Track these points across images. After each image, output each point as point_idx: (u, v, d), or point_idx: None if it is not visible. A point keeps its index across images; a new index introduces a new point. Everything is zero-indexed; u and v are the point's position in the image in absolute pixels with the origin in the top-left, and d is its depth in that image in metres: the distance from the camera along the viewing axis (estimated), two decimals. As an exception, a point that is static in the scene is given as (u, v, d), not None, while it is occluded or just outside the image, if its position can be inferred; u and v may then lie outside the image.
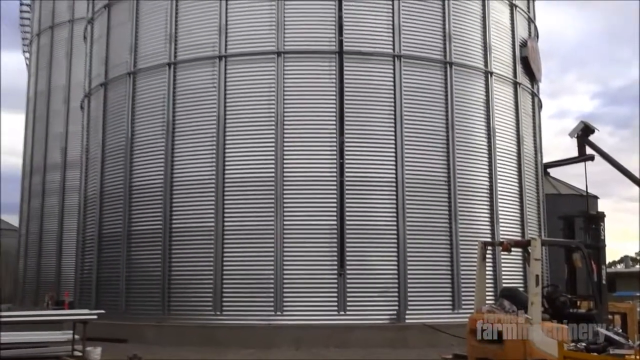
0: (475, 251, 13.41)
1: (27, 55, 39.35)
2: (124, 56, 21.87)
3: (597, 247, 12.73)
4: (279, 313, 17.94)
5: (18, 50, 42.25)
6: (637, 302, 19.60)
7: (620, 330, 12.26)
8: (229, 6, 19.94)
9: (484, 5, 21.63)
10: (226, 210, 18.87)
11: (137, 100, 21.19)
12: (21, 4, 40.13)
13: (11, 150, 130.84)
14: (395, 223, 18.70)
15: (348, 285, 18.10)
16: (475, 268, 13.14)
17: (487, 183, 20.53)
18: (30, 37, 38.80)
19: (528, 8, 24.54)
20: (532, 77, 23.86)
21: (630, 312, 13.68)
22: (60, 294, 29.78)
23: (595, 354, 10.00)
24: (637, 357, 8.87)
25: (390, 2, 19.88)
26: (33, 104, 36.57)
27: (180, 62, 20.36)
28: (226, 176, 19.03)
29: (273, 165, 18.69)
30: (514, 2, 23.07)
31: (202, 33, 20.20)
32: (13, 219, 42.77)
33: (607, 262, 13.59)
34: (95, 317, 15.32)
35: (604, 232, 13.02)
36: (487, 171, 20.61)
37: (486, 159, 20.67)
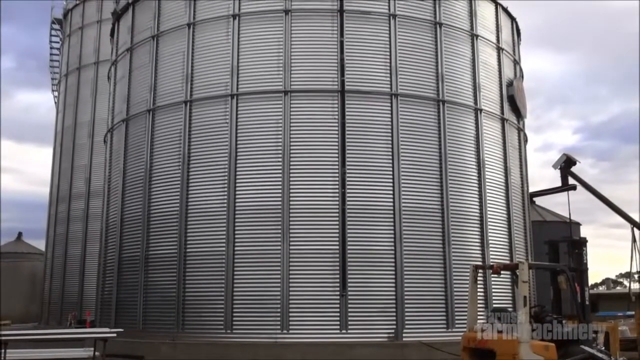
0: (468, 274, 13.36)
1: (56, 94, 39.63)
2: (144, 95, 22.06)
3: (581, 270, 12.68)
4: (285, 331, 17.80)
5: (48, 89, 42.51)
6: (618, 322, 19.43)
7: (604, 348, 12.15)
8: (241, 49, 20.16)
9: (473, 48, 21.82)
10: (237, 236, 18.83)
11: (156, 134, 21.30)
12: (51, 48, 40.53)
13: (40, 180, 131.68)
14: (393, 248, 18.64)
15: (349, 305, 17.98)
16: (467, 289, 13.07)
17: (477, 211, 20.49)
18: (59, 78, 39.11)
19: (513, 51, 24.75)
20: (518, 113, 23.96)
21: (612, 330, 13.52)
22: (82, 313, 29.57)
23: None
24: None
25: (388, 45, 20.08)
26: (60, 138, 36.73)
27: (196, 100, 20.50)
28: (237, 205, 19.03)
29: (280, 195, 18.70)
30: (500, 45, 23.27)
31: (215, 74, 20.37)
32: (40, 244, 42.68)
33: (589, 284, 13.49)
34: (114, 335, 15.27)
35: (586, 256, 12.97)
36: (477, 200, 20.58)
37: (477, 189, 20.66)
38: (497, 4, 23.55)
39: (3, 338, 14.29)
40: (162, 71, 21.69)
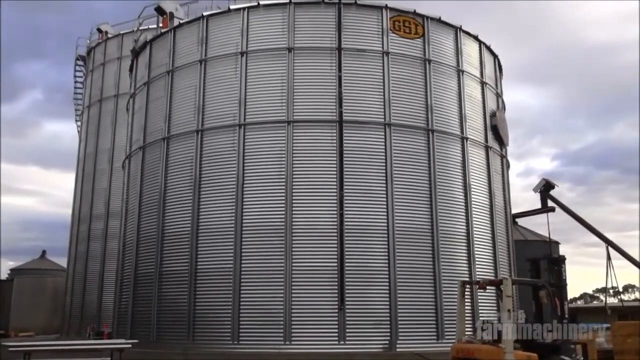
0: (456, 289, 13.28)
1: (79, 123, 39.69)
2: (160, 124, 22.15)
3: (560, 285, 12.59)
4: (288, 342, 17.65)
5: (72, 120, 42.46)
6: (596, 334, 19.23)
7: (582, 358, 12.02)
8: (248, 83, 20.31)
9: (459, 83, 21.98)
10: (243, 254, 18.77)
11: (170, 161, 21.33)
12: (75, 82, 40.71)
13: (63, 202, 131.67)
14: (387, 265, 18.57)
15: (347, 318, 17.86)
16: (456, 303, 12.98)
17: (464, 231, 20.45)
18: (82, 109, 39.21)
19: (496, 85, 24.90)
20: (501, 142, 24.02)
21: (590, 342, 13.40)
22: (100, 325, 29.32)
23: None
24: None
25: (382, 80, 20.23)
26: (82, 164, 36.70)
27: (206, 129, 20.58)
28: (244, 225, 18.99)
29: (283, 216, 18.68)
30: (484, 80, 23.43)
31: (225, 105, 20.49)
32: (62, 261, 42.48)
33: (568, 299, 13.39)
34: (130, 345, 15.17)
35: (565, 272, 12.89)
36: (464, 221, 20.55)
37: (463, 211, 20.64)
38: (481, 43, 23.77)
39: (27, 348, 14.19)
40: (176, 103, 21.80)
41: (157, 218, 21.01)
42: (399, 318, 18.20)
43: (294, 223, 18.62)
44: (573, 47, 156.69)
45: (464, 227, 20.47)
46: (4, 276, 46.52)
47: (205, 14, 22.01)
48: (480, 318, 18.48)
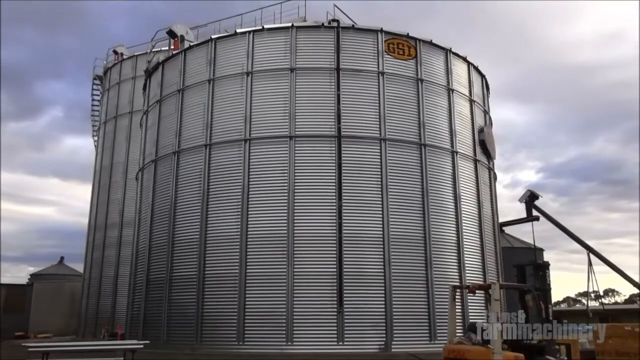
0: (447, 293, 13.21)
1: (96, 138, 39.70)
2: (171, 139, 22.17)
3: (545, 289, 12.52)
4: (289, 343, 17.55)
5: (89, 135, 42.41)
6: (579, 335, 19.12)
7: (566, 359, 11.94)
8: (253, 101, 20.36)
9: (449, 100, 22.03)
10: (248, 260, 18.71)
11: (180, 173, 21.34)
12: (93, 100, 40.76)
13: (81, 212, 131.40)
14: (382, 270, 18.51)
15: (345, 321, 17.78)
16: (447, 306, 12.92)
17: (455, 238, 20.40)
18: (98, 125, 39.24)
19: (484, 102, 24.96)
20: (489, 155, 24.04)
21: (573, 343, 13.31)
22: (114, 327, 29.16)
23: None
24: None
25: (377, 98, 20.29)
26: (99, 176, 36.65)
27: (214, 144, 20.60)
28: (249, 233, 18.96)
29: (286, 225, 18.64)
30: (472, 98, 23.49)
31: (231, 121, 20.52)
32: (79, 267, 42.23)
33: (552, 302, 13.31)
34: (141, 346, 15.06)
35: (549, 277, 12.83)
36: (454, 229, 20.50)
37: (454, 220, 20.60)
38: (469, 64, 23.85)
39: (45, 349, 14.11)
40: (186, 119, 21.84)
41: (167, 227, 20.97)
42: (394, 320, 18.11)
43: (295, 231, 18.57)
44: (556, 66, 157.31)
45: (455, 235, 20.42)
46: (24, 281, 46.35)
47: (213, 37, 22.14)
48: (470, 320, 18.44)
